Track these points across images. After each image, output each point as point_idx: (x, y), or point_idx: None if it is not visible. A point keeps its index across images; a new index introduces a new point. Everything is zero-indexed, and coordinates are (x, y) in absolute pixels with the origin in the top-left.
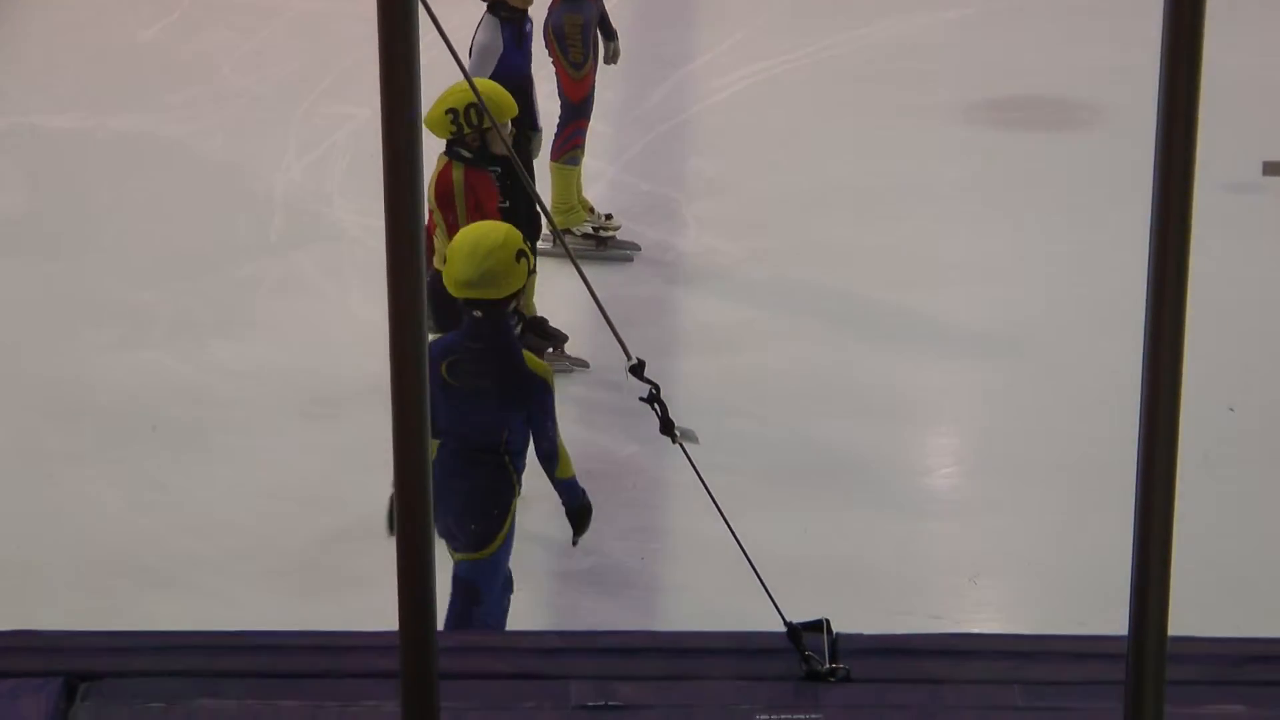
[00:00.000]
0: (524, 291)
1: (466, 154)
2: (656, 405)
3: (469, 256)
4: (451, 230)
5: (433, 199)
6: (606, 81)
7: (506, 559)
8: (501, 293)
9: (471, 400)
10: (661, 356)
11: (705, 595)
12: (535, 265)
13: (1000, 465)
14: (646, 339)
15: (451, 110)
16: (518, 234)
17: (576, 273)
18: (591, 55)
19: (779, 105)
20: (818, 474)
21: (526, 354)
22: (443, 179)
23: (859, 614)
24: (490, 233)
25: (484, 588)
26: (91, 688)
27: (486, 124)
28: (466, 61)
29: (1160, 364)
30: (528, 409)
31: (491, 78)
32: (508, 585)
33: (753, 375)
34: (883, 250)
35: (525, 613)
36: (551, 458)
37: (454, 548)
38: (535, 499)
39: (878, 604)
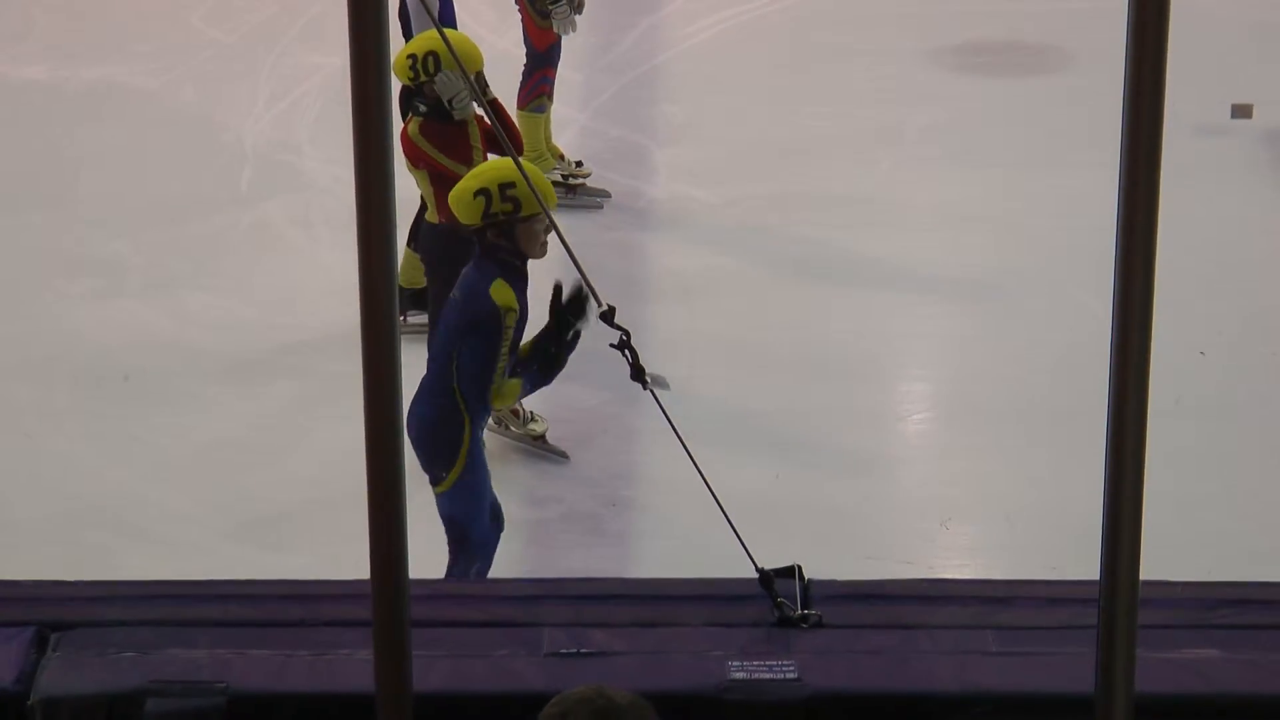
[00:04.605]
0: (497, 228)
1: (423, 106)
2: (627, 351)
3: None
4: (435, 180)
5: (405, 157)
6: (576, 28)
7: (472, 497)
8: (461, 220)
9: (439, 321)
10: (632, 303)
11: (677, 542)
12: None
13: (972, 411)
14: (617, 285)
15: (411, 55)
16: (500, 175)
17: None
18: (565, 3)
19: (749, 51)
20: (789, 420)
21: (499, 283)
22: (403, 136)
23: (831, 560)
24: (482, 168)
25: (460, 521)
26: (63, 637)
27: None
28: (402, 19)
29: (1131, 309)
30: (477, 337)
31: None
32: (497, 522)
33: (723, 321)
34: (853, 196)
35: (498, 561)
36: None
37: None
38: (500, 449)
39: (850, 550)
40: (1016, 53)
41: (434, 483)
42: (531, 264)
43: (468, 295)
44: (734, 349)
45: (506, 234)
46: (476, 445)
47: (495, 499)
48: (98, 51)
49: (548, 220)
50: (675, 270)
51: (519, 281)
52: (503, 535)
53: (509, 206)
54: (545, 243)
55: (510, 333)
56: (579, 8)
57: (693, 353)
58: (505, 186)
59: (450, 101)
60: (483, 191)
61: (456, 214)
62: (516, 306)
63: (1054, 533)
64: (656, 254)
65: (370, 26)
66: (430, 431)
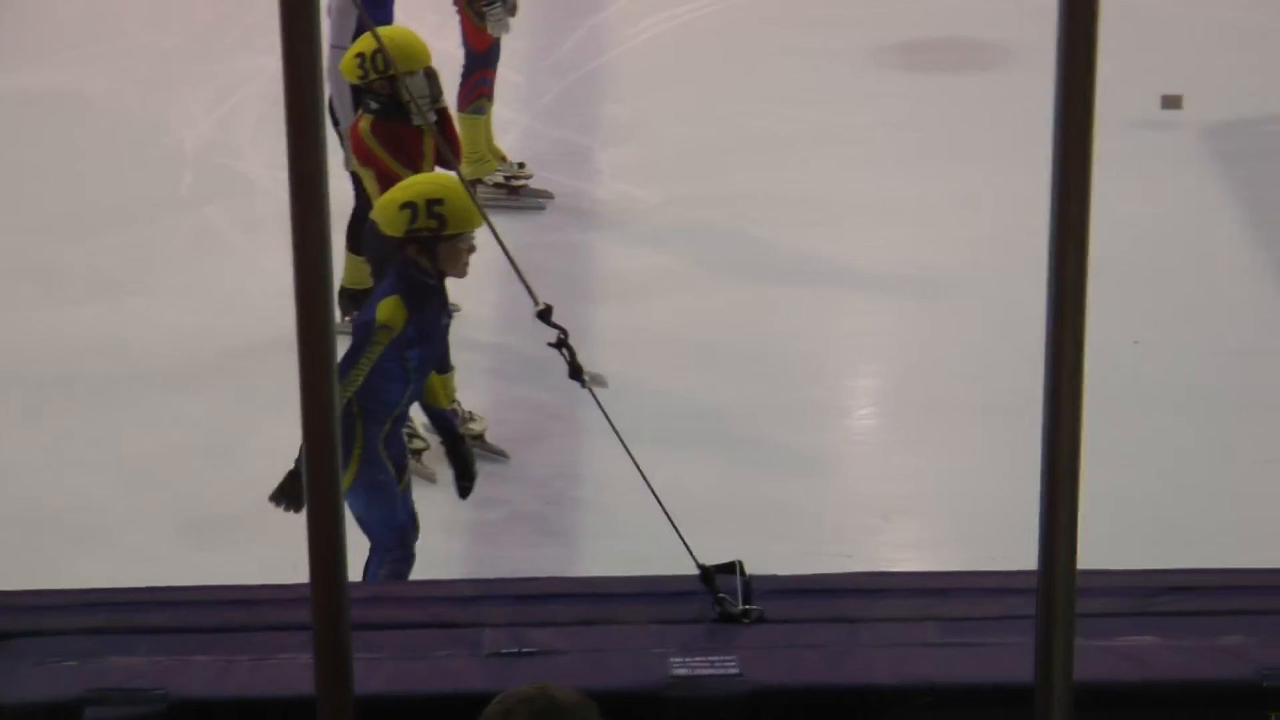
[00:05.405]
0: (419, 244)
1: (374, 104)
2: (565, 350)
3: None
4: (381, 180)
5: (353, 154)
6: (518, 30)
7: (369, 496)
8: (384, 229)
9: None
10: (575, 303)
11: (625, 540)
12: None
13: (913, 406)
14: (560, 286)
15: (359, 55)
16: (429, 191)
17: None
18: (499, 4)
19: (691, 51)
20: (734, 417)
21: (391, 300)
22: (353, 132)
23: (775, 555)
24: (412, 181)
25: (361, 519)
26: (2, 647)
27: (392, 71)
28: (325, 23)
29: (1064, 301)
30: (355, 340)
31: (356, 35)
32: (402, 532)
33: (667, 320)
34: (795, 195)
35: (439, 562)
36: (380, 413)
37: None
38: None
39: (791, 545)
40: (958, 50)
41: None
42: (476, 269)
43: (368, 303)
44: (678, 348)
45: (428, 250)
46: (371, 447)
47: (411, 510)
48: (36, 57)
49: (473, 242)
50: (619, 270)
51: (425, 299)
52: (449, 535)
53: (434, 223)
54: (467, 263)
55: (379, 348)
56: (513, 10)
57: (637, 352)
58: (433, 203)
59: (412, 104)
60: (409, 205)
61: (380, 223)
62: (397, 328)
63: (995, 524)
64: (600, 254)
65: (302, 29)
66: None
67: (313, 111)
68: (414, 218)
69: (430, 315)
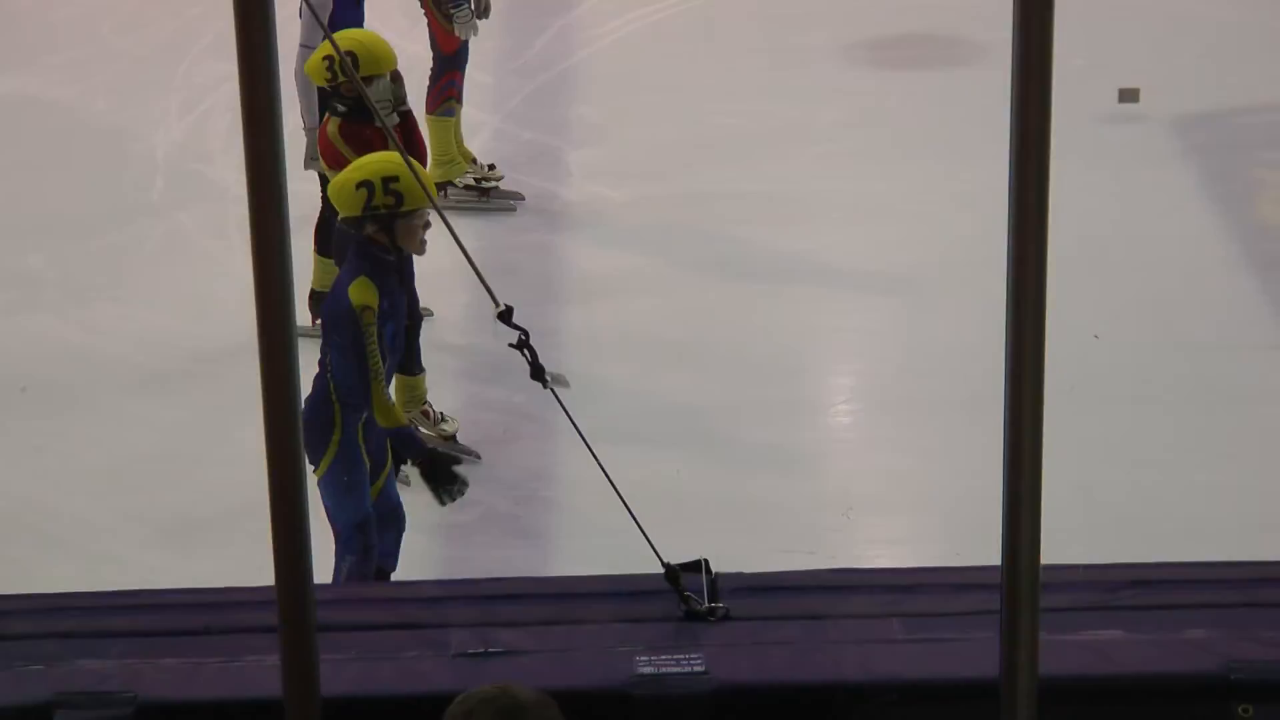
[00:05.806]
0: (377, 222)
1: (341, 107)
2: (526, 351)
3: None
4: None
5: (321, 157)
6: (487, 31)
7: (341, 489)
8: (340, 210)
9: None
10: (547, 304)
11: (597, 540)
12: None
13: (885, 403)
14: (531, 288)
15: (328, 57)
16: (383, 169)
17: (451, 222)
18: (467, 6)
19: (661, 51)
20: (706, 415)
21: (360, 281)
22: (321, 135)
23: (745, 554)
24: (365, 160)
25: (329, 510)
26: None
27: (359, 74)
28: (298, 21)
29: (1024, 297)
30: (338, 334)
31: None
32: (390, 524)
33: (639, 320)
34: (767, 193)
35: (412, 563)
36: (359, 403)
37: None
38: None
39: (757, 543)
40: (928, 46)
41: (312, 468)
42: (446, 272)
43: (333, 292)
44: (650, 347)
45: (385, 228)
46: (349, 439)
47: (395, 501)
48: (8, 63)
49: (428, 218)
50: (591, 271)
51: (389, 277)
52: (421, 536)
53: (391, 200)
54: (424, 240)
55: (372, 330)
56: (484, 12)
57: (608, 352)
58: (389, 180)
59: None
60: (365, 184)
61: (336, 205)
62: (375, 305)
63: (960, 520)
64: (572, 255)
65: (257, 34)
66: (306, 417)
67: (269, 118)
68: (371, 196)
69: (394, 291)
